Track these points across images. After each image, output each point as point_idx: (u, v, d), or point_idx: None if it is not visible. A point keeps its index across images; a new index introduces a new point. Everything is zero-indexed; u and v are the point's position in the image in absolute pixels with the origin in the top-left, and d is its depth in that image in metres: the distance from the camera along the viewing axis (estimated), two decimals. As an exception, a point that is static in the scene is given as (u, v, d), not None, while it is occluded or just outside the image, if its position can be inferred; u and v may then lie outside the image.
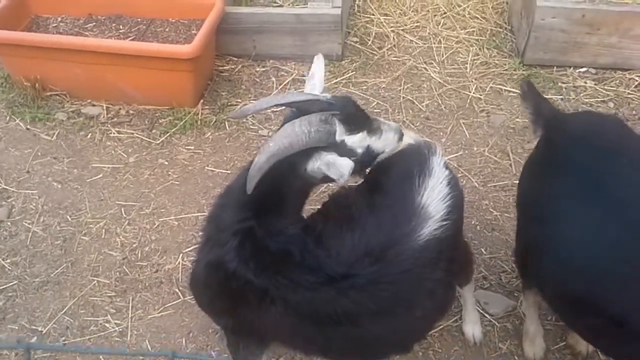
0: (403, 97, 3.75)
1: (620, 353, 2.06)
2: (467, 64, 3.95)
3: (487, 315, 2.73)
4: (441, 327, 2.68)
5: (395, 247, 1.92)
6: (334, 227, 2.03)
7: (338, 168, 1.96)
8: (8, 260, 2.96)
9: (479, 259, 2.90)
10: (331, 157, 1.98)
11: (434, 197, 2.01)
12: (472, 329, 2.65)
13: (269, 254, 1.95)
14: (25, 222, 3.11)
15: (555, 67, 3.88)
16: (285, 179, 2.04)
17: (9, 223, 3.11)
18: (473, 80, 3.85)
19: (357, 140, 2.05)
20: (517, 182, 2.53)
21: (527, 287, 2.53)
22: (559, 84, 3.79)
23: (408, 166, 2.11)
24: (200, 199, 3.22)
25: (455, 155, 3.43)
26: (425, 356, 2.62)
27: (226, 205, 2.10)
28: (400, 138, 2.20)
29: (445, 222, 1.98)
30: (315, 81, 2.17)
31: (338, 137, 2.01)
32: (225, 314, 2.15)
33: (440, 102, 3.73)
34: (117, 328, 2.73)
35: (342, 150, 2.03)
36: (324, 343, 2.02)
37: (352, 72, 3.88)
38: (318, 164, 2.00)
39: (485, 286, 2.83)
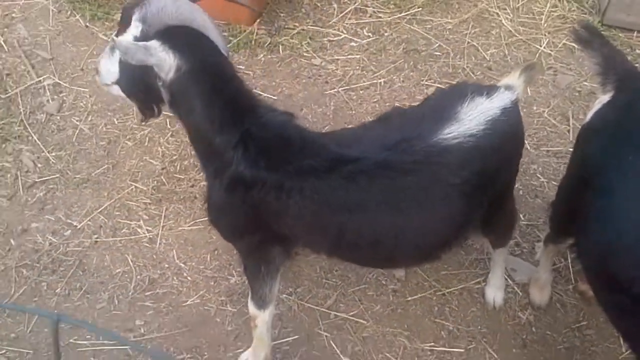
0: (468, 42, 3.56)
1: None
2: (542, 15, 3.69)
3: (511, 282, 2.68)
4: (462, 286, 2.66)
5: (412, 140, 1.91)
6: (356, 128, 2.06)
7: None
8: (53, 154, 3.05)
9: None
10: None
11: (473, 109, 1.96)
12: (494, 293, 2.61)
13: (271, 145, 1.97)
14: (74, 119, 3.18)
15: (636, 32, 3.57)
16: None
17: (58, 117, 3.19)
18: (546, 33, 3.61)
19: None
20: (577, 137, 2.32)
21: (552, 241, 2.46)
22: (637, 50, 3.51)
23: (463, 90, 2.06)
24: (244, 120, 3.21)
25: (512, 111, 3.27)
26: (441, 311, 2.61)
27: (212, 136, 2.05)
28: None
29: (477, 134, 1.92)
30: None
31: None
32: (253, 227, 2.15)
33: (506, 52, 3.53)
34: (147, 234, 2.83)
35: None
36: (338, 237, 2.04)
37: (418, 8, 3.69)
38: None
39: (516, 253, 2.76)
